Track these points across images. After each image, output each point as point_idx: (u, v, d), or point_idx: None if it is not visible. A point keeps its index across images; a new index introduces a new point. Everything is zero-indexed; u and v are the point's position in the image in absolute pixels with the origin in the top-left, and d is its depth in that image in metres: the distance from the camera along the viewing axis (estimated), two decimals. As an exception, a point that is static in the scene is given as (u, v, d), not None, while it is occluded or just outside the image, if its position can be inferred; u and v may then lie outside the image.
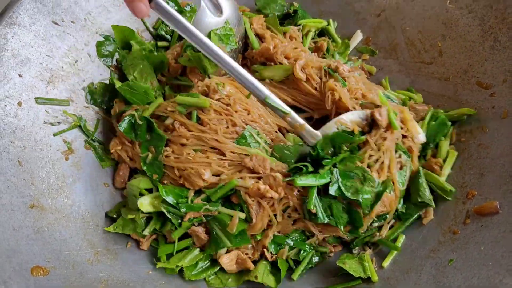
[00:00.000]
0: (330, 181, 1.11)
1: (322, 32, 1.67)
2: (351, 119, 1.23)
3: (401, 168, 1.21)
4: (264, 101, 1.15)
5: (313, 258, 1.22)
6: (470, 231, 1.09)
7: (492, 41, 1.26)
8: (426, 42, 1.45)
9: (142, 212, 1.19)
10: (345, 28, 1.64)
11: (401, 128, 1.24)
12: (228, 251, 1.19)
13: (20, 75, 1.19)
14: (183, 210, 1.15)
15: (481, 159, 1.20)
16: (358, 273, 1.12)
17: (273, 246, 1.18)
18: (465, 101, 1.32)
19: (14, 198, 1.07)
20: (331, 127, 1.21)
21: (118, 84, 1.31)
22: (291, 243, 1.19)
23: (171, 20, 1.08)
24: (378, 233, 1.21)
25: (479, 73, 1.29)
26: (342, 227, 1.13)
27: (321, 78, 1.34)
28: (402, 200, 1.23)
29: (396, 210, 1.21)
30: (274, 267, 1.20)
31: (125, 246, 1.23)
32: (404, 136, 1.25)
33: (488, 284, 0.93)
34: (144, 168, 1.24)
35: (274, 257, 1.20)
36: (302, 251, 1.21)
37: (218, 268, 1.20)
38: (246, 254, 1.20)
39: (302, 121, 1.20)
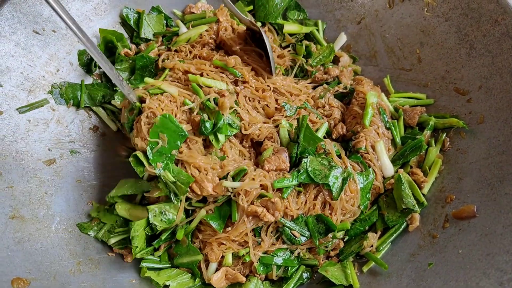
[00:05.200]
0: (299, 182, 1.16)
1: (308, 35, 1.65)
2: None
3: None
4: None
5: (303, 274, 1.21)
6: (449, 235, 1.11)
7: (468, 48, 1.29)
8: (405, 49, 1.47)
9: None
10: (326, 35, 1.65)
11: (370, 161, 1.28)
12: (216, 270, 1.17)
13: (0, 85, 1.18)
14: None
15: (459, 164, 1.22)
16: (340, 281, 1.13)
17: (261, 267, 1.16)
18: (443, 107, 1.34)
19: (-6, 209, 1.06)
20: None
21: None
22: (279, 261, 1.17)
23: None
24: (365, 242, 1.20)
25: (456, 79, 1.32)
26: (317, 241, 1.15)
27: None
28: (368, 204, 1.26)
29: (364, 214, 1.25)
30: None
31: (108, 255, 1.23)
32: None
33: (465, 287, 0.95)
34: (149, 154, 1.13)
35: (263, 276, 1.20)
36: (290, 268, 1.19)
37: None
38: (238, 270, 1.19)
39: None
